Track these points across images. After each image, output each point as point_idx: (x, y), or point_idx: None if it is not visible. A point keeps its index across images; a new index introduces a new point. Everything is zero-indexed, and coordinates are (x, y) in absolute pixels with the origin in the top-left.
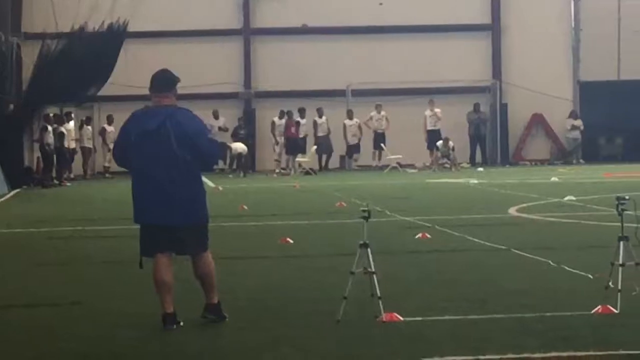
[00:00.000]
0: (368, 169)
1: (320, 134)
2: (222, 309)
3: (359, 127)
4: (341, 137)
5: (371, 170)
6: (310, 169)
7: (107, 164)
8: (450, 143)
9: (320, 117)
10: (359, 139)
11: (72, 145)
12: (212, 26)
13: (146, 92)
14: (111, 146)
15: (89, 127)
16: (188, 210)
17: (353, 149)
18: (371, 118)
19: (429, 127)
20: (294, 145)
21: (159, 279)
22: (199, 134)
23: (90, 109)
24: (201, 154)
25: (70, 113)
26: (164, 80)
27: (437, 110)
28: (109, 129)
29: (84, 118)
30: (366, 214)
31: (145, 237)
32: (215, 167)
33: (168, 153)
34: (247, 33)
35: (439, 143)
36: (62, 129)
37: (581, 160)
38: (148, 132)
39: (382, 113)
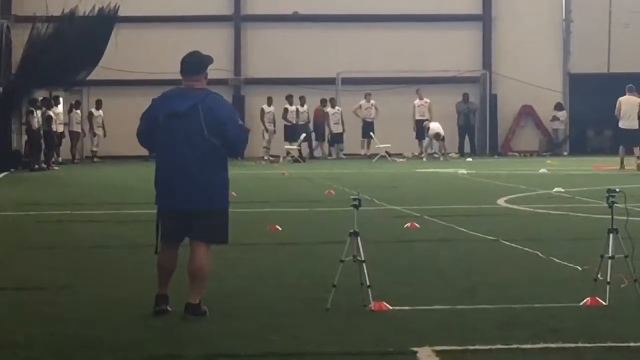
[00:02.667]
0: (356, 158)
1: (300, 122)
2: (202, 306)
3: (342, 116)
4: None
5: (359, 159)
6: (299, 156)
7: (95, 149)
8: (441, 132)
9: (302, 105)
10: (343, 128)
11: (60, 129)
12: (203, 12)
13: (136, 76)
14: (98, 131)
15: (78, 111)
16: (212, 195)
17: (335, 138)
18: (360, 107)
19: (418, 117)
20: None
21: (163, 264)
22: (230, 120)
23: (79, 93)
24: (230, 139)
25: (58, 97)
26: (194, 63)
27: (426, 100)
28: (96, 113)
29: (73, 102)
30: (357, 202)
31: (167, 222)
32: None
33: (197, 137)
34: (238, 19)
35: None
36: (50, 113)
37: (564, 153)
38: (178, 114)
39: (372, 102)
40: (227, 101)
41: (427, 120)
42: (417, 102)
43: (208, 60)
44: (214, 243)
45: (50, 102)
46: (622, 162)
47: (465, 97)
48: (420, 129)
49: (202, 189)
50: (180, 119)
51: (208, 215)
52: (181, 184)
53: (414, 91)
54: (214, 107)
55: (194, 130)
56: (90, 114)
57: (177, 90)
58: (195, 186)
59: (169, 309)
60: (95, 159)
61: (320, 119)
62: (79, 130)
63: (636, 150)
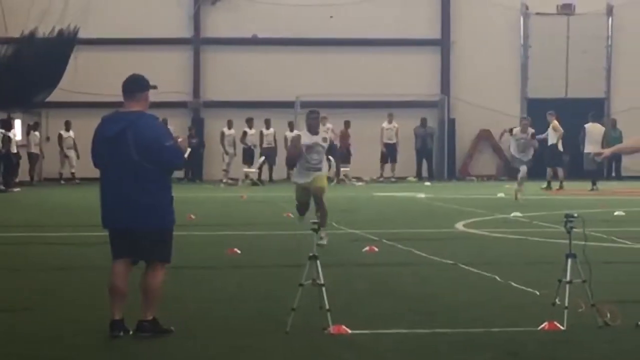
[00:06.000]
0: None
1: (265, 145)
2: (160, 324)
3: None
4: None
5: None
6: (258, 179)
7: (73, 170)
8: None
9: (268, 128)
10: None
11: (14, 150)
12: (163, 35)
13: (95, 98)
14: (68, 153)
15: (37, 133)
16: (149, 215)
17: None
18: None
19: (385, 140)
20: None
21: (113, 285)
22: (158, 141)
23: (37, 114)
24: (160, 160)
25: (13, 118)
26: (132, 85)
27: (395, 124)
28: (66, 135)
29: (32, 123)
30: (316, 226)
31: (112, 241)
32: None
33: (127, 159)
34: (197, 42)
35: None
36: (10, 134)
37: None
38: (108, 139)
39: (328, 125)
40: (160, 122)
41: (394, 143)
42: (385, 125)
43: (148, 84)
44: (156, 262)
45: (10, 124)
46: (549, 183)
47: (424, 121)
48: (388, 152)
49: (139, 210)
50: (110, 144)
51: (148, 235)
52: (119, 206)
53: (372, 115)
54: (144, 129)
55: (124, 154)
56: (60, 136)
57: (112, 115)
58: (132, 207)
59: (130, 332)
60: (77, 180)
61: (344, 141)
62: (38, 152)
63: (560, 171)
